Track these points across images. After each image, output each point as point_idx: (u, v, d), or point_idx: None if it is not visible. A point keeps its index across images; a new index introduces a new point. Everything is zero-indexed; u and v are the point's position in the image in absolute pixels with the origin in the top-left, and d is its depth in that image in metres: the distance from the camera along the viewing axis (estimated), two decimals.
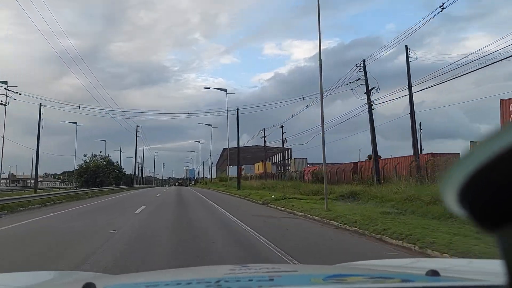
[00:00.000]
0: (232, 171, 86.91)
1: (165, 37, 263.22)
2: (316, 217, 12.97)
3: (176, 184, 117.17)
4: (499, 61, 16.60)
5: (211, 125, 63.05)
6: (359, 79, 26.08)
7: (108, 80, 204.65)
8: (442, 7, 19.67)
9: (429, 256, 6.97)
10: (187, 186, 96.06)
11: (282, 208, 17.09)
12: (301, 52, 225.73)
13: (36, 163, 34.88)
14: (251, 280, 1.31)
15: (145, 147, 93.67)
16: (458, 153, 23.71)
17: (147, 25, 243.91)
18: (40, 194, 25.03)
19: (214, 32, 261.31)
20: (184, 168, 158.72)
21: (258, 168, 66.35)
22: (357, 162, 34.57)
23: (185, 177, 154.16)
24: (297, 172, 45.13)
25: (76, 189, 44.73)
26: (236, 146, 43.02)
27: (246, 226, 11.11)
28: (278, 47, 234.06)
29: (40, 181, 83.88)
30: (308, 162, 56.53)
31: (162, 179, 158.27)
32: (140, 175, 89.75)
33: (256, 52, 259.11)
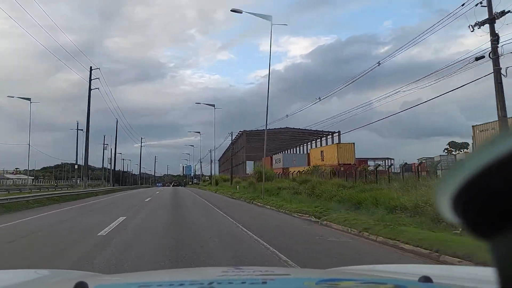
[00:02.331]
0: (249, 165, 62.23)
1: (162, 33, 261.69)
2: None
3: (172, 184, 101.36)
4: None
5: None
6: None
7: (104, 75, 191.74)
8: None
9: None
10: (183, 186, 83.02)
11: None
12: (298, 49, 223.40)
13: None
14: (244, 282, 1.26)
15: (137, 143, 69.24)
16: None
17: (143, 20, 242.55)
18: None
19: (210, 28, 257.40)
20: (181, 164, 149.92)
21: (323, 156, 36.93)
22: None
23: (182, 174, 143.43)
24: None
25: None
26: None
27: None
28: (275, 44, 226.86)
29: None
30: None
31: (155, 177, 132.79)
32: (125, 171, 64.61)
33: (253, 48, 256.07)
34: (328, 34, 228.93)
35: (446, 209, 0.55)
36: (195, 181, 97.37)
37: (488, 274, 1.17)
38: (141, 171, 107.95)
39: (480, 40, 13.17)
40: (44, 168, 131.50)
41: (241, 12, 22.99)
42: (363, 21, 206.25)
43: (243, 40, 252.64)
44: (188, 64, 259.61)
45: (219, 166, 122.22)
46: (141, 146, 76.42)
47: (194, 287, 1.18)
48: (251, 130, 60.61)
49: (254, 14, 23.17)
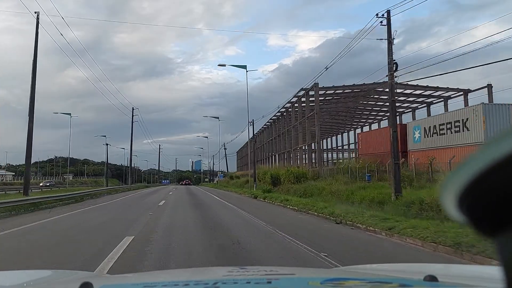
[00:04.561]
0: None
1: (169, 28, 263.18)
2: None
3: (184, 182, 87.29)
4: None
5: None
6: None
7: (112, 72, 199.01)
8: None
9: None
10: (196, 185, 70.32)
11: None
12: (306, 43, 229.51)
13: None
14: (249, 282, 1.21)
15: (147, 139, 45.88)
16: None
17: (150, 15, 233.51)
18: None
19: (218, 22, 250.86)
20: (190, 160, 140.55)
21: None
22: None
23: (192, 169, 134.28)
24: None
25: None
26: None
27: None
28: (283, 38, 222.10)
29: None
30: None
31: (158, 172, 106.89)
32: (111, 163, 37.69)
33: (261, 43, 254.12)
34: (337, 28, 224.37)
35: (451, 206, 0.52)
36: (216, 178, 71.67)
37: (494, 272, 1.13)
38: (144, 167, 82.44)
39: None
40: (35, 162, 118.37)
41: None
42: (372, 13, 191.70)
43: (251, 35, 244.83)
44: (196, 59, 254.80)
45: (236, 161, 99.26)
46: (132, 121, 48.98)
47: (199, 287, 1.14)
48: (323, 86, 33.23)
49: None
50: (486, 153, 0.45)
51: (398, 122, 39.91)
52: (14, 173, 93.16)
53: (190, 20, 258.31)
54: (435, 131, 19.34)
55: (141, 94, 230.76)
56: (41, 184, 43.22)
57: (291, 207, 14.14)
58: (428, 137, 19.80)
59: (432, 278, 1.19)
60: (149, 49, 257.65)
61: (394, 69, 11.13)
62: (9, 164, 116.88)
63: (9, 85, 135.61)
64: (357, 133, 33.88)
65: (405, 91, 36.44)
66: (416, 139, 20.86)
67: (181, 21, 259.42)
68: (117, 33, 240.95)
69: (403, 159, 21.11)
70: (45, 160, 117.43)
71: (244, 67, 27.63)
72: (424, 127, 20.38)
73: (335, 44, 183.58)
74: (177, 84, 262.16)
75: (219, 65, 28.05)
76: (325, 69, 18.91)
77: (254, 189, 25.07)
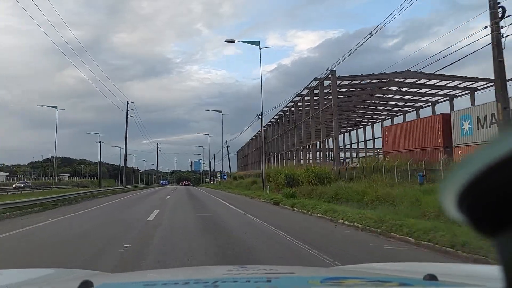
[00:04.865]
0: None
1: (168, 28, 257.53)
2: None
3: (183, 183, 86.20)
4: None
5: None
6: None
7: (112, 72, 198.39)
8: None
9: None
10: (196, 186, 68.94)
11: None
12: (305, 43, 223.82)
13: None
14: (249, 281, 1.22)
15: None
16: None
17: (149, 15, 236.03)
18: None
19: (216, 22, 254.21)
20: (189, 160, 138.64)
21: None
22: None
23: (191, 170, 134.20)
24: None
25: None
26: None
27: None
28: (282, 38, 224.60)
29: None
30: None
31: (157, 173, 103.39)
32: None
33: (260, 43, 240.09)
34: (336, 28, 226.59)
35: (450, 206, 0.52)
36: (219, 179, 68.29)
37: (493, 272, 1.13)
38: (143, 167, 78.55)
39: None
40: (31, 162, 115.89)
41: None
42: (371, 13, 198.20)
43: (250, 34, 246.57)
44: (194, 59, 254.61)
45: (237, 160, 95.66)
46: (127, 116, 44.55)
47: (199, 286, 1.14)
48: (339, 76, 29.42)
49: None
50: (486, 153, 0.45)
51: (418, 117, 36.14)
52: (8, 174, 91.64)
53: (189, 20, 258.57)
54: (493, 120, 15.50)
55: (141, 94, 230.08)
56: (14, 186, 39.40)
57: (346, 222, 9.43)
58: (484, 128, 15.96)
59: (432, 277, 1.17)
60: (148, 49, 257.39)
61: (500, 15, 7.34)
62: (3, 164, 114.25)
63: (9, 85, 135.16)
64: (383, 127, 30.09)
65: (429, 82, 32.79)
66: (465, 131, 17.00)
67: (180, 21, 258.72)
68: (116, 33, 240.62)
69: (446, 155, 17.33)
70: (41, 160, 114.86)
71: (258, 43, 24.21)
72: (478, 116, 16.44)
73: (333, 44, 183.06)
74: (176, 84, 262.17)
75: (226, 40, 24.46)
76: (370, 35, 15.22)
77: (268, 192, 20.94)
